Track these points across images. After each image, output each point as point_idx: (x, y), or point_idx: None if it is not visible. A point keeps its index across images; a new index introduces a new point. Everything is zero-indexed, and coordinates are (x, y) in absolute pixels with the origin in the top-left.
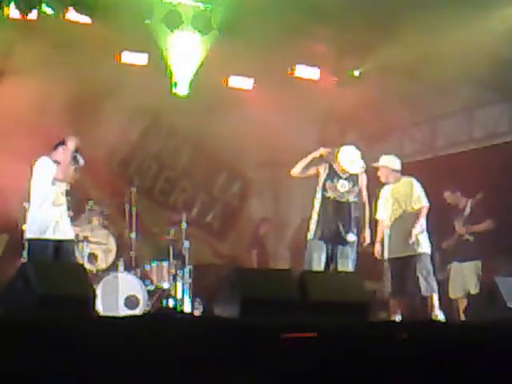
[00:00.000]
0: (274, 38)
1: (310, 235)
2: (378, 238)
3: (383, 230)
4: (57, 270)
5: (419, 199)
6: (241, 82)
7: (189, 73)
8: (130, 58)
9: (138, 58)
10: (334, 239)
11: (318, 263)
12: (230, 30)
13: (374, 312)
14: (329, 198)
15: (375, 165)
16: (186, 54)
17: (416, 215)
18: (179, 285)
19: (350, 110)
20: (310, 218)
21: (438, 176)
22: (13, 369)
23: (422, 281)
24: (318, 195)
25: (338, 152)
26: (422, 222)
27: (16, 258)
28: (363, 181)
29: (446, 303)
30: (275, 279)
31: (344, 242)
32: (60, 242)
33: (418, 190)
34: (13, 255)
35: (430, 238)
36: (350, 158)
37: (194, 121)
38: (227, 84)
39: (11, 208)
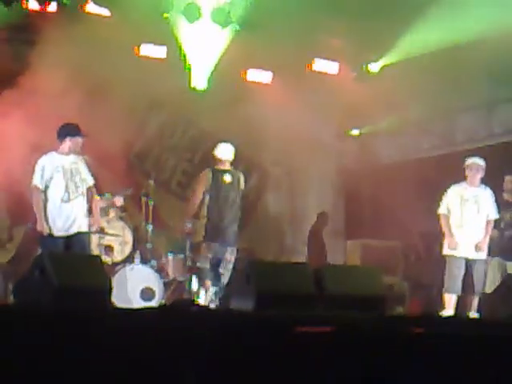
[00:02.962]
0: (292, 31)
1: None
2: (450, 233)
3: (451, 225)
4: (73, 261)
5: (496, 211)
6: (259, 76)
7: (207, 66)
8: (148, 51)
9: (157, 51)
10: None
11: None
12: (249, 24)
13: (390, 306)
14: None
15: (476, 163)
16: (204, 47)
17: (487, 225)
18: (195, 278)
19: (369, 103)
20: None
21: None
22: (28, 359)
23: (478, 283)
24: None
25: (214, 149)
26: (490, 233)
27: (34, 250)
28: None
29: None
30: (291, 272)
31: None
32: (72, 236)
33: (494, 200)
34: (30, 248)
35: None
36: (224, 150)
37: (211, 114)
38: (245, 77)
39: (30, 200)
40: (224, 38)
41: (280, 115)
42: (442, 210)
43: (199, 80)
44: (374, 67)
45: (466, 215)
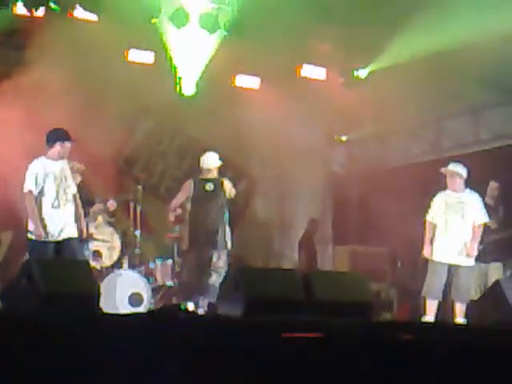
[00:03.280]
0: (280, 37)
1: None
2: (430, 239)
3: (435, 232)
4: (61, 267)
5: (484, 215)
6: (247, 81)
7: (195, 72)
8: (136, 56)
9: (145, 57)
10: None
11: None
12: (237, 30)
13: (378, 312)
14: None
15: (450, 169)
16: (192, 53)
17: (477, 229)
18: None
19: (357, 109)
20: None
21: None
22: (15, 366)
23: (462, 290)
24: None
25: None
26: (479, 237)
27: (21, 256)
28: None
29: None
30: (280, 278)
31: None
32: (61, 241)
33: (481, 205)
34: (18, 253)
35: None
36: (207, 159)
37: (200, 119)
38: (234, 83)
39: (18, 205)
40: (212, 44)
41: (268, 121)
42: (427, 217)
43: (187, 86)
44: (362, 73)
45: (449, 221)
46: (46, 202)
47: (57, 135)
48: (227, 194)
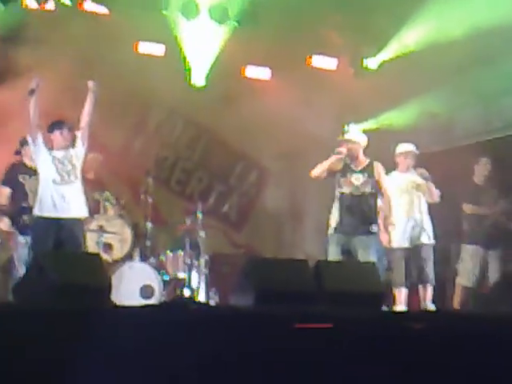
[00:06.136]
0: (291, 27)
1: (330, 230)
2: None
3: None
4: (73, 259)
5: (431, 191)
6: (258, 72)
7: (206, 63)
8: (147, 48)
9: (155, 49)
10: (352, 232)
11: (335, 256)
12: (247, 20)
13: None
14: (344, 193)
15: (402, 150)
16: (202, 44)
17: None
18: (194, 275)
19: (368, 99)
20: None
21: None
22: (28, 358)
23: (423, 271)
24: (336, 192)
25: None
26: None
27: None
28: (379, 170)
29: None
30: (291, 269)
31: (364, 233)
32: (61, 220)
33: (430, 182)
34: None
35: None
36: None
37: (210, 111)
38: (244, 74)
39: None
40: (222, 35)
41: (279, 111)
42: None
43: (198, 77)
44: (373, 63)
45: (400, 204)
46: (47, 177)
47: (48, 127)
48: None
